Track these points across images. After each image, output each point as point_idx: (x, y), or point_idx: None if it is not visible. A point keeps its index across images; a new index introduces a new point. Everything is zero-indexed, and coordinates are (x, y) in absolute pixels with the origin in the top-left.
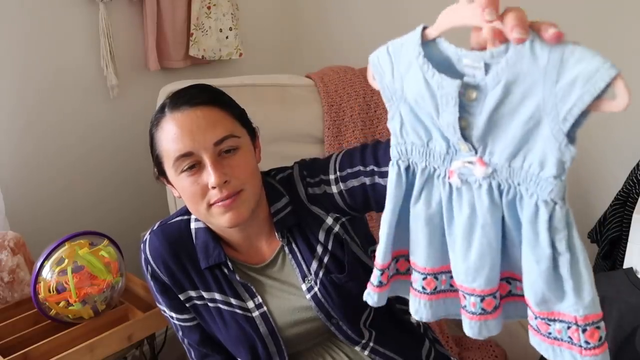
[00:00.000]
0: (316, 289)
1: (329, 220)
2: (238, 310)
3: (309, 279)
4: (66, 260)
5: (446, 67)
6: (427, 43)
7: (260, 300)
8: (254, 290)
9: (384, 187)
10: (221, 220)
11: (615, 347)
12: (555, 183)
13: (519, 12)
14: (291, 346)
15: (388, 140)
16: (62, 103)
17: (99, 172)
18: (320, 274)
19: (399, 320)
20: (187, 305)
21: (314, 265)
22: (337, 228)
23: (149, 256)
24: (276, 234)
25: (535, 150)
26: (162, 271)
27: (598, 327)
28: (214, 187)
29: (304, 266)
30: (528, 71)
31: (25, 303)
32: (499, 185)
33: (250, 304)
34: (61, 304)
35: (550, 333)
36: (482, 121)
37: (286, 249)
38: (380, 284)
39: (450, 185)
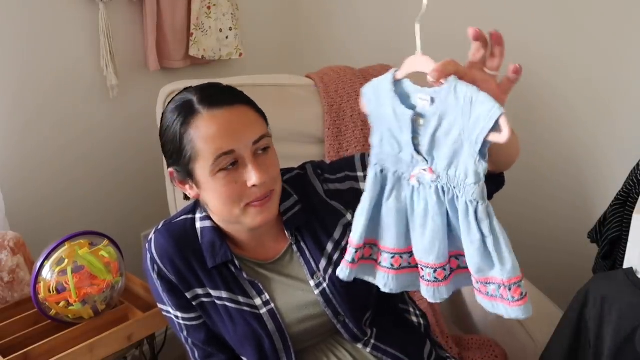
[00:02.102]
0: (325, 285)
1: (349, 217)
2: (246, 308)
3: (318, 275)
4: (66, 260)
5: (407, 99)
6: (396, 82)
7: (268, 297)
8: (262, 287)
9: None
10: (255, 220)
11: (615, 347)
12: (475, 188)
13: (444, 63)
14: (297, 343)
15: None
16: (62, 103)
17: (98, 172)
18: (330, 270)
19: (401, 320)
20: (194, 303)
21: (323, 262)
22: None
23: (155, 255)
24: (286, 232)
25: (462, 164)
26: (168, 270)
27: (519, 286)
28: (254, 186)
29: (313, 263)
30: (452, 107)
31: (25, 303)
32: (442, 188)
33: (258, 301)
34: (61, 304)
35: (488, 292)
36: (427, 141)
37: (294, 247)
38: (353, 261)
39: (412, 185)
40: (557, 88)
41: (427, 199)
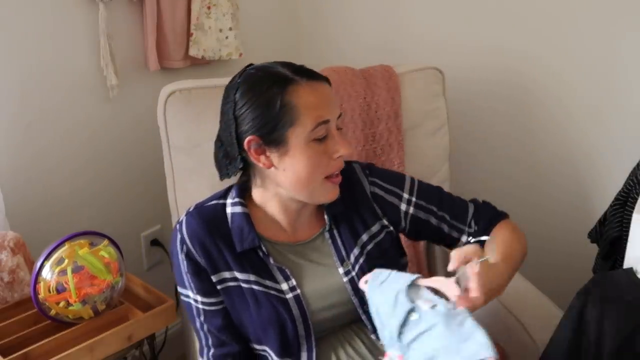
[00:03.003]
0: (353, 273)
1: (385, 221)
2: (272, 292)
3: (347, 263)
4: (66, 260)
5: (412, 295)
6: (412, 284)
7: (295, 283)
8: (289, 273)
9: (446, 235)
10: (327, 195)
11: (615, 347)
12: None
13: (467, 298)
14: (319, 330)
15: (462, 199)
16: (61, 103)
17: (98, 172)
18: (361, 260)
19: None
20: (219, 287)
21: (356, 251)
22: (391, 227)
23: (185, 236)
24: (325, 217)
25: None
26: (197, 251)
27: None
28: (339, 157)
29: (343, 251)
30: (448, 327)
31: (25, 303)
32: None
33: (285, 286)
34: (61, 304)
35: None
36: (411, 335)
37: (327, 234)
38: None
39: None
40: (552, 88)
41: None
